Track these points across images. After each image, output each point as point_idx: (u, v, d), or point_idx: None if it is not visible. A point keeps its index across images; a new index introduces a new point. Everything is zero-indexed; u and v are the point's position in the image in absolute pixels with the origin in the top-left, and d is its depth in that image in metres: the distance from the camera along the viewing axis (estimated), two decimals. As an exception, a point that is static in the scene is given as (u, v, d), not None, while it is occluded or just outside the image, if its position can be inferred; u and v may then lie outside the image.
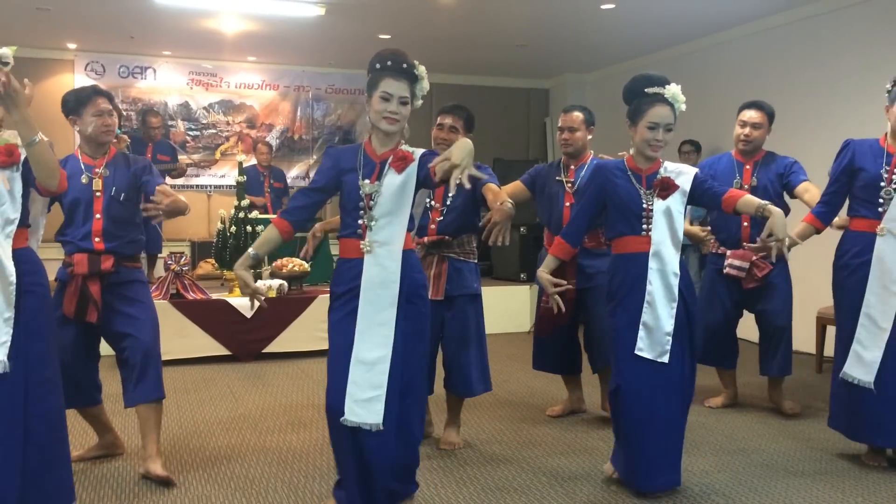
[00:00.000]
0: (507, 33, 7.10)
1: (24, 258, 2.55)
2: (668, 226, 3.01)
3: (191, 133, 8.52)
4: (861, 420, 3.39)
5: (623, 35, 7.18)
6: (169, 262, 5.75)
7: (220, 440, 3.83)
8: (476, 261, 3.72)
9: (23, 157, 2.52)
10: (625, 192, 3.06)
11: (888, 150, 3.40)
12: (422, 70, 2.72)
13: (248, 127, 8.69)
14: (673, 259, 3.00)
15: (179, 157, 7.72)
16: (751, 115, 4.22)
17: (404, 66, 2.68)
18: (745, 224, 4.14)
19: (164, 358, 5.33)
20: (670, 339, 2.96)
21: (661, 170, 3.07)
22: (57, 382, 2.63)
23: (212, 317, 5.56)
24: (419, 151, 2.72)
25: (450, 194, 3.54)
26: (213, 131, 8.61)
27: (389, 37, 7.25)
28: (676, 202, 3.03)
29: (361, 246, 2.65)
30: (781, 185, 4.15)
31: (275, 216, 3.00)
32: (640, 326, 2.98)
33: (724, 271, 4.22)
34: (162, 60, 8.32)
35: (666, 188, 3.02)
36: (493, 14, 6.46)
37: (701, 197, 3.07)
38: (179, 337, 5.53)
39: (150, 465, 3.19)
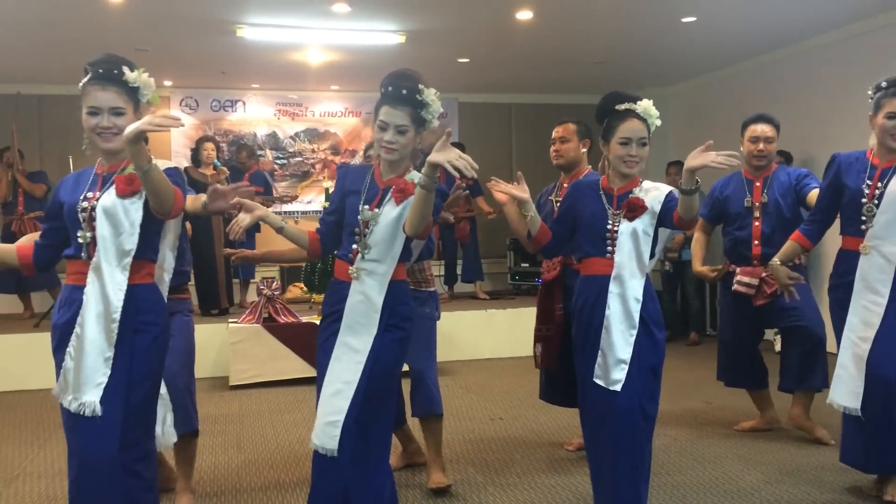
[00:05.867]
0: (585, 50, 7.08)
1: (143, 295, 2.42)
2: (633, 248, 2.82)
3: (279, 161, 8.82)
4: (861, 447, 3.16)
5: (705, 47, 7.06)
6: (261, 287, 5.96)
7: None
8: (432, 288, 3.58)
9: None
10: (591, 212, 2.93)
11: (873, 163, 3.18)
12: (428, 94, 2.59)
13: (332, 154, 8.94)
14: (634, 283, 2.80)
15: (274, 187, 7.98)
16: (763, 128, 4.02)
17: (403, 92, 2.57)
18: (756, 242, 3.99)
19: (258, 380, 5.69)
20: (625, 367, 2.75)
21: (636, 190, 2.89)
22: (152, 430, 2.53)
23: (302, 339, 5.71)
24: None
25: None
26: (300, 159, 8.89)
27: (468, 60, 7.35)
28: (645, 224, 2.83)
29: (350, 271, 2.62)
30: (796, 198, 3.92)
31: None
32: (599, 352, 2.81)
33: (733, 288, 4.06)
34: (251, 93, 8.67)
35: (633, 209, 2.85)
36: (570, 31, 6.46)
37: (665, 216, 2.83)
38: (272, 359, 5.72)
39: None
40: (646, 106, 2.90)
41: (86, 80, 2.45)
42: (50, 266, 2.58)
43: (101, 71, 2.42)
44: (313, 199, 8.80)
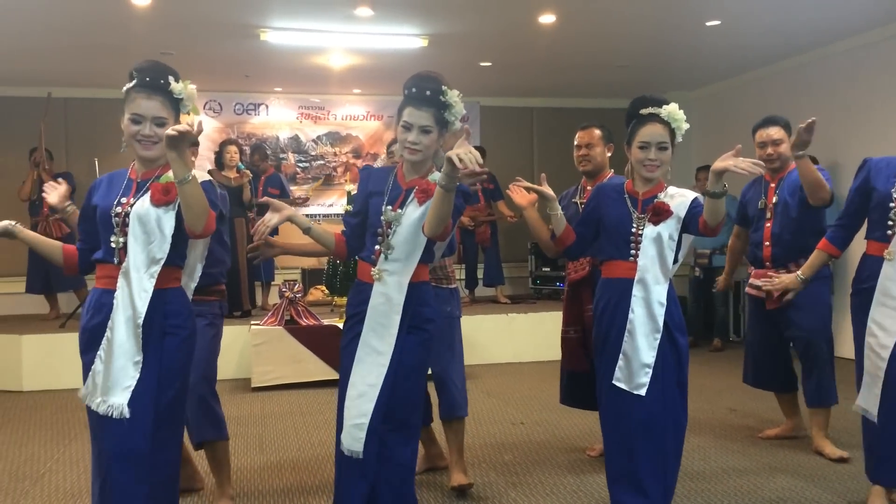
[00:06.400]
0: (608, 54, 7.06)
1: (170, 298, 2.43)
2: (656, 252, 2.81)
3: (300, 165, 8.87)
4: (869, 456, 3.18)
5: (729, 51, 7.01)
6: (283, 290, 5.99)
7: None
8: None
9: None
10: (616, 215, 2.92)
11: None
12: (451, 95, 2.62)
13: (353, 157, 8.97)
14: (658, 288, 2.79)
15: (292, 188, 8.00)
16: (768, 132, 3.97)
17: (427, 93, 2.60)
18: (767, 243, 3.95)
19: (280, 382, 5.71)
20: (649, 371, 2.76)
21: (661, 194, 2.88)
22: (181, 429, 2.55)
23: (324, 342, 5.72)
24: None
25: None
26: (322, 162, 8.93)
27: (490, 64, 7.35)
28: (670, 228, 2.82)
29: (372, 272, 2.63)
30: (801, 197, 3.84)
31: None
32: (620, 356, 2.81)
33: (745, 290, 4.10)
34: (273, 97, 8.73)
35: (658, 213, 2.83)
36: (593, 35, 6.44)
37: (690, 222, 2.82)
38: (294, 362, 5.74)
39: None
40: (671, 110, 2.87)
41: (131, 85, 2.44)
42: (91, 269, 2.56)
43: (147, 79, 2.42)
44: (335, 202, 8.84)
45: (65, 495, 3.57)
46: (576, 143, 3.84)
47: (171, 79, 2.43)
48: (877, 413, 3.09)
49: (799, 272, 3.51)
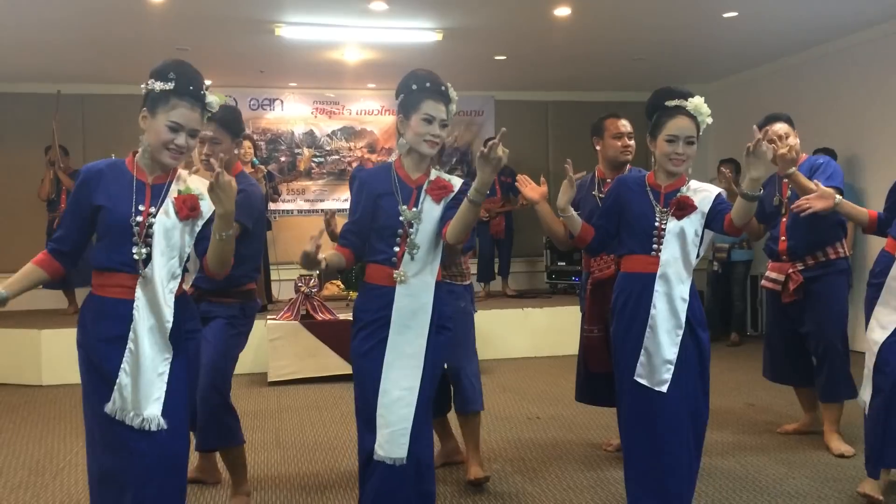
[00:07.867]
0: (624, 47, 7.00)
1: (184, 305, 2.41)
2: (679, 247, 2.78)
3: (315, 160, 8.88)
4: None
5: (747, 43, 6.93)
6: (299, 285, 6.01)
7: (352, 457, 3.95)
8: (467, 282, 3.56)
9: (205, 219, 2.39)
10: (638, 208, 2.87)
11: None
12: (453, 93, 2.65)
13: (368, 152, 8.96)
14: (681, 283, 2.77)
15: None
16: (774, 129, 3.90)
17: (443, 88, 2.60)
18: (783, 238, 3.91)
19: (297, 376, 5.73)
20: (671, 367, 2.73)
21: (684, 188, 2.85)
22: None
23: (340, 336, 5.71)
24: (458, 181, 2.65)
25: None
26: (337, 157, 8.93)
27: (504, 57, 7.31)
28: (693, 224, 2.80)
29: (395, 276, 2.55)
30: None
31: None
32: (642, 351, 2.78)
33: (761, 284, 4.08)
34: (288, 92, 8.73)
35: (682, 208, 2.80)
36: (609, 28, 6.39)
37: (713, 219, 2.80)
38: (310, 356, 5.76)
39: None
40: (697, 103, 2.84)
41: (169, 88, 2.33)
42: (72, 265, 2.46)
43: (191, 88, 2.34)
44: (349, 198, 8.82)
45: (84, 489, 3.59)
46: (615, 131, 3.74)
47: (205, 89, 2.40)
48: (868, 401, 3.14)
49: (840, 198, 3.40)
